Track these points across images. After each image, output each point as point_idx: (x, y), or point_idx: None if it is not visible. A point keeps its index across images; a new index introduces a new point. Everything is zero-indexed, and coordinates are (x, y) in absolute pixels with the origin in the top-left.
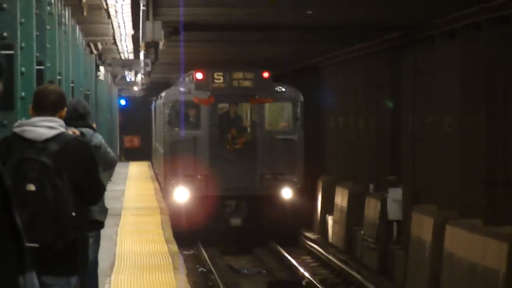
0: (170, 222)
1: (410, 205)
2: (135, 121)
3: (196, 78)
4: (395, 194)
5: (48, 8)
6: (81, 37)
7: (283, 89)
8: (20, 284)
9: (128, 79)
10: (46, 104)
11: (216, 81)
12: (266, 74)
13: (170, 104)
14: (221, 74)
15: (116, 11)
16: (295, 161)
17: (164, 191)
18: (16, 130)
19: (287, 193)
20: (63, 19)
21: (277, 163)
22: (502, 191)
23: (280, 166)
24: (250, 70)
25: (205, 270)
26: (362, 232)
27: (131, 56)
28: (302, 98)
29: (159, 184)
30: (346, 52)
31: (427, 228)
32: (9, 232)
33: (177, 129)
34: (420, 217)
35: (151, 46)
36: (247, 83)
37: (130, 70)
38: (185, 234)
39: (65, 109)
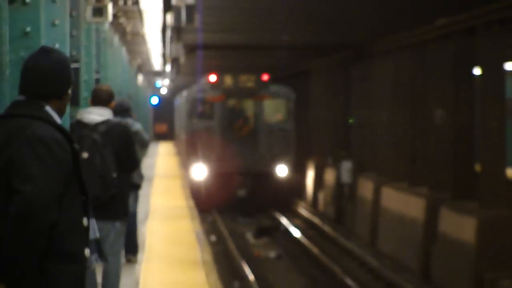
0: (191, 193)
1: (357, 173)
2: (164, 113)
3: (210, 81)
4: (346, 166)
5: (103, 35)
6: (125, 55)
7: (279, 89)
8: (84, 223)
9: (158, 85)
10: (100, 99)
11: (226, 82)
12: (265, 77)
13: (190, 101)
14: (230, 76)
15: (150, 37)
16: (288, 146)
17: (185, 168)
18: (78, 117)
19: (282, 170)
20: (113, 42)
21: (274, 147)
22: (420, 164)
23: (276, 149)
24: (253, 73)
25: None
26: (322, 193)
27: (160, 68)
28: (294, 96)
29: (182, 162)
30: (318, 63)
31: (369, 189)
32: (77, 184)
33: (196, 120)
34: (364, 181)
35: (175, 62)
36: (250, 84)
37: (160, 78)
38: (203, 203)
39: (113, 103)
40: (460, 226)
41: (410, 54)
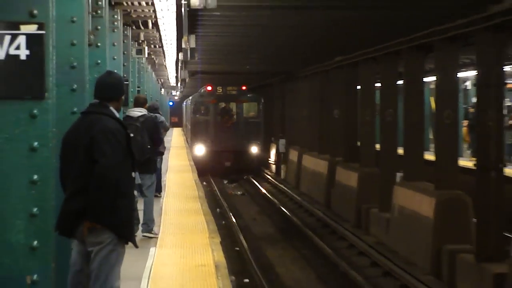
0: (194, 165)
1: (288, 146)
2: (176, 110)
3: (207, 90)
4: (282, 142)
5: (142, 65)
6: (154, 77)
7: (253, 95)
8: (132, 175)
9: (173, 93)
10: (138, 102)
11: (217, 91)
12: (244, 88)
13: (194, 103)
14: (220, 87)
15: (169, 67)
16: (259, 133)
17: (190, 147)
18: (126, 113)
19: (254, 149)
20: (147, 69)
21: (249, 134)
22: (325, 141)
23: (250, 135)
24: (236, 85)
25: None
26: (269, 159)
27: (174, 84)
28: (262, 100)
29: (187, 143)
30: (270, 80)
31: (295, 155)
32: (128, 153)
33: (197, 115)
34: (292, 151)
35: (183, 81)
36: (233, 92)
37: (174, 90)
38: (202, 170)
39: (147, 105)
40: (348, 177)
41: (319, 77)
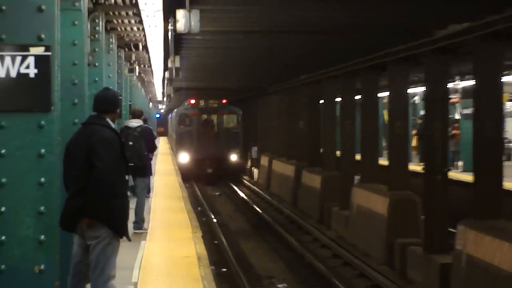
0: (179, 171)
1: (260, 153)
2: (162, 122)
3: (191, 103)
4: (254, 149)
5: (133, 82)
6: (143, 92)
7: (232, 108)
8: (126, 178)
9: (159, 106)
10: (135, 114)
11: (200, 104)
12: (224, 101)
13: (179, 115)
14: (203, 101)
15: (156, 83)
16: (238, 143)
17: (175, 155)
18: (125, 124)
19: (234, 157)
20: (138, 85)
21: (229, 143)
22: (292, 148)
23: (230, 144)
24: (217, 99)
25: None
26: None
27: (161, 98)
28: (241, 112)
29: (173, 150)
30: (244, 96)
31: (266, 161)
32: (123, 159)
33: (182, 126)
34: (264, 157)
35: (169, 96)
36: (215, 105)
37: (161, 104)
38: (186, 176)
39: (143, 117)
40: (312, 180)
41: (287, 93)
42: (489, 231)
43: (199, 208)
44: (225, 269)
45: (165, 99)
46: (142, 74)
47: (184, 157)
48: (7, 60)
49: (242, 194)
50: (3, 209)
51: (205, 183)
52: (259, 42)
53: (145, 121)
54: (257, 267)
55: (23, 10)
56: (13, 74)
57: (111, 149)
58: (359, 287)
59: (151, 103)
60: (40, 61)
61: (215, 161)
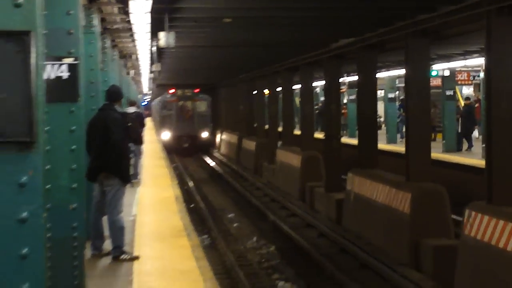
0: (162, 145)
1: (217, 128)
2: (148, 107)
3: (170, 92)
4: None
5: (128, 81)
6: (135, 87)
7: (203, 96)
8: (128, 145)
9: (145, 97)
10: (131, 103)
11: (178, 93)
12: (197, 90)
13: (162, 102)
14: (180, 90)
15: (144, 81)
16: (208, 123)
17: (158, 133)
18: (125, 110)
19: (205, 134)
20: (132, 83)
21: (201, 123)
22: (237, 124)
23: (202, 125)
24: (191, 88)
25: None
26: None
27: (147, 91)
28: (210, 99)
29: (156, 131)
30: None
31: (219, 132)
32: (127, 132)
33: (164, 110)
34: (218, 131)
35: (152, 89)
36: (189, 94)
37: (146, 95)
38: (168, 149)
39: (136, 105)
40: (250, 145)
41: (232, 86)
42: (369, 176)
43: (174, 165)
44: (193, 205)
45: (150, 91)
46: (135, 75)
47: (166, 135)
48: (49, 67)
49: (203, 156)
50: (48, 167)
51: (183, 154)
52: (213, 53)
53: (137, 108)
54: (213, 203)
55: (59, 33)
56: (53, 76)
57: (119, 126)
58: (281, 214)
59: (140, 95)
60: (70, 67)
61: (190, 138)
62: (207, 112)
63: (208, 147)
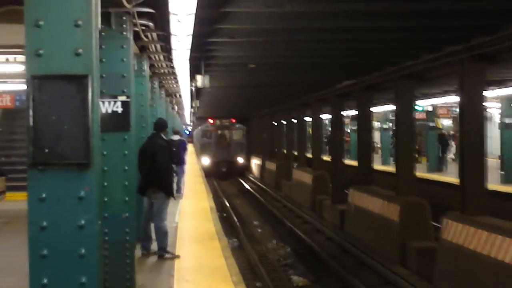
0: (202, 170)
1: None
2: (190, 136)
3: (210, 122)
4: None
5: (173, 114)
6: (179, 119)
7: (239, 125)
8: (172, 166)
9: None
10: (175, 132)
11: (216, 123)
12: (233, 120)
13: (202, 131)
14: (218, 120)
15: (186, 114)
16: (243, 150)
17: (198, 158)
18: (170, 138)
19: (241, 159)
20: (177, 116)
21: (237, 150)
22: (262, 148)
23: (238, 151)
24: (228, 119)
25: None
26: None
27: (189, 122)
28: (245, 128)
29: (197, 154)
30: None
31: (259, 161)
32: (170, 156)
33: (204, 138)
34: (257, 158)
35: (193, 121)
36: (227, 123)
37: (189, 126)
38: (207, 173)
39: (179, 134)
40: (271, 165)
41: (258, 118)
42: (366, 191)
43: (211, 187)
44: (225, 214)
45: (191, 122)
46: (178, 110)
47: (206, 160)
48: (106, 103)
49: (243, 184)
50: (105, 183)
51: (221, 178)
52: (241, 91)
53: (180, 136)
54: (241, 213)
55: (115, 76)
56: (110, 110)
57: (164, 151)
58: (295, 222)
59: (184, 125)
60: (123, 104)
61: (227, 163)
62: (243, 140)
63: (244, 171)
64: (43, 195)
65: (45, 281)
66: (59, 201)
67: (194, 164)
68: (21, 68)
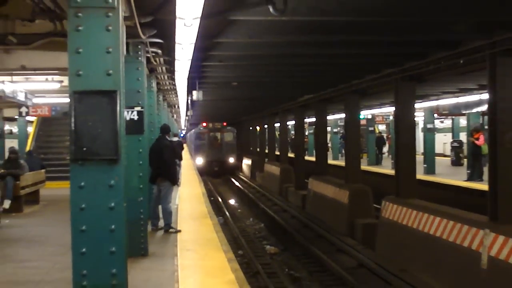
0: (196, 169)
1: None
2: (184, 138)
3: (203, 125)
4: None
5: (173, 121)
6: (176, 124)
7: (230, 128)
8: (176, 162)
9: (183, 130)
10: (174, 135)
11: (209, 126)
12: (224, 123)
13: (196, 133)
14: (211, 123)
15: (182, 120)
16: (234, 151)
17: (193, 159)
18: (170, 139)
19: (231, 159)
20: (174, 122)
21: (228, 151)
22: (254, 150)
23: (229, 152)
24: (220, 122)
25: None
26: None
27: (183, 126)
28: (235, 131)
29: (191, 155)
30: (237, 121)
31: (249, 160)
32: (175, 153)
33: (197, 140)
34: (247, 158)
35: (187, 126)
36: (219, 126)
37: (184, 129)
38: (201, 172)
39: (177, 136)
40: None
41: (249, 122)
42: (322, 180)
43: (206, 186)
44: (212, 198)
45: (185, 127)
46: (176, 117)
47: (200, 160)
48: (125, 112)
49: (235, 182)
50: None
51: (213, 176)
52: (227, 103)
53: (178, 137)
54: (225, 197)
55: (132, 92)
56: (128, 118)
57: (169, 150)
58: (267, 204)
59: (179, 129)
60: (139, 113)
61: (219, 163)
62: (233, 141)
63: (234, 170)
64: (82, 184)
65: (84, 250)
66: (95, 188)
67: (188, 160)
68: (57, 85)
